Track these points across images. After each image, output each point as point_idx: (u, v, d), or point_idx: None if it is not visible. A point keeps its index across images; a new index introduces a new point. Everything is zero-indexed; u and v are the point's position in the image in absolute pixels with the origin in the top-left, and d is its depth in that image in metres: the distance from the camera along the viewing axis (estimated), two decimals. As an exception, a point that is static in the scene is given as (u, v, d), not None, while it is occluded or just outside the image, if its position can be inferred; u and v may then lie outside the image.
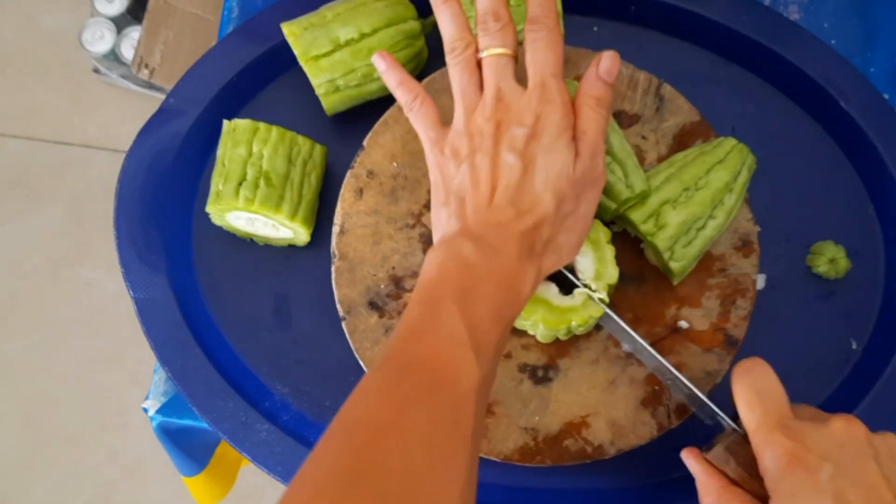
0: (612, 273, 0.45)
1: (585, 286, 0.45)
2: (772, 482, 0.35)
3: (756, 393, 0.37)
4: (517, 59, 0.42)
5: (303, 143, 0.50)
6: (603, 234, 0.46)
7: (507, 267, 0.38)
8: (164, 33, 1.07)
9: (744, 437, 0.38)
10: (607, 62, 0.41)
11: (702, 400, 0.42)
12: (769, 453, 0.35)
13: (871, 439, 0.35)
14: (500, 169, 0.40)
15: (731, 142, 0.47)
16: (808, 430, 0.35)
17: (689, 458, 0.41)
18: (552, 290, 0.45)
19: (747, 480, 0.38)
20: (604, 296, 0.45)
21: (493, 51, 0.42)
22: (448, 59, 0.43)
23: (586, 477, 0.50)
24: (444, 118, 0.50)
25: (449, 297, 0.36)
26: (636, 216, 0.45)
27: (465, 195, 0.40)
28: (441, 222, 0.42)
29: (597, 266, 0.45)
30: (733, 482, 0.39)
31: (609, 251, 0.46)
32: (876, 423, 0.49)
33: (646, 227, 0.45)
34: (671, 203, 0.45)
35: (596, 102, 0.41)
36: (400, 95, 0.44)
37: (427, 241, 0.49)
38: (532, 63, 0.41)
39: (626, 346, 0.47)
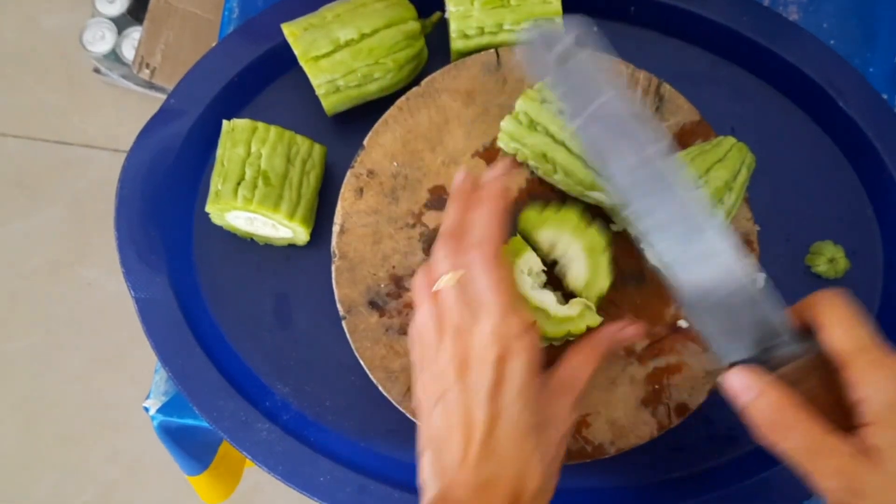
0: (604, 283, 0.45)
1: (575, 295, 0.45)
2: (879, 410, 0.31)
3: (854, 314, 0.33)
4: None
5: (301, 142, 0.50)
6: (600, 241, 0.45)
7: None
8: (164, 33, 1.07)
9: (817, 359, 0.33)
10: (631, 330, 0.43)
11: (754, 311, 0.34)
12: (882, 371, 0.31)
13: None
14: (470, 412, 0.37)
15: (730, 141, 0.47)
16: None
17: (746, 375, 0.33)
18: (550, 299, 0.44)
19: (824, 406, 0.32)
20: (592, 305, 0.45)
21: (445, 279, 0.39)
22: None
23: (586, 476, 0.50)
24: (444, 117, 0.50)
25: None
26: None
27: (442, 441, 0.37)
28: (424, 471, 0.39)
29: (589, 274, 0.45)
30: None
31: (604, 259, 0.45)
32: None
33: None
34: None
35: (591, 350, 0.41)
36: None
37: (427, 241, 0.49)
38: (480, 278, 0.38)
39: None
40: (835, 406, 0.32)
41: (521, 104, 0.47)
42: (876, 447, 0.31)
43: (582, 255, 0.45)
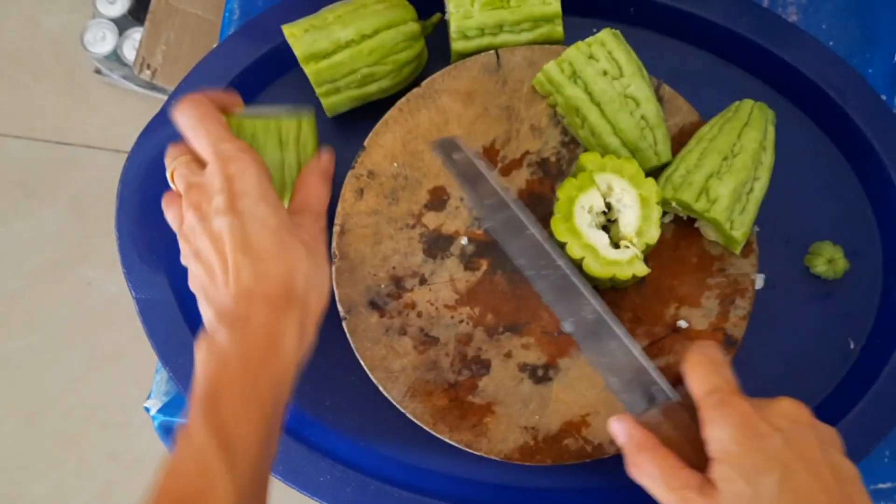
0: (654, 233, 0.45)
1: (625, 241, 0.45)
2: (719, 444, 0.35)
3: (710, 361, 0.38)
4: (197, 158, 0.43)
5: (287, 124, 0.48)
6: (655, 193, 0.46)
7: (258, 334, 0.37)
8: (165, 34, 1.07)
9: (679, 405, 0.39)
10: None
11: (637, 369, 0.41)
12: (724, 413, 0.36)
13: (815, 423, 0.36)
14: (219, 239, 0.39)
15: (748, 103, 0.48)
16: (760, 403, 0.37)
17: (621, 422, 0.39)
18: (603, 239, 0.45)
19: (679, 445, 0.38)
20: (639, 253, 0.45)
21: (175, 158, 0.43)
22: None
23: (586, 476, 0.50)
24: (444, 118, 0.50)
25: (196, 404, 0.36)
26: (687, 197, 0.46)
27: (206, 283, 0.40)
28: (204, 321, 0.41)
29: (641, 223, 0.45)
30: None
31: (656, 212, 0.46)
32: (874, 423, 0.49)
33: (700, 206, 0.46)
34: (716, 176, 0.46)
35: (323, 175, 0.47)
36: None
37: (427, 242, 0.49)
38: (195, 142, 0.42)
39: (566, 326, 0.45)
40: (698, 444, 0.37)
41: (569, 53, 0.48)
42: (714, 480, 0.35)
43: (636, 203, 0.46)
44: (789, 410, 0.36)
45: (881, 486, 0.52)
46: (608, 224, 0.47)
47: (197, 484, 0.34)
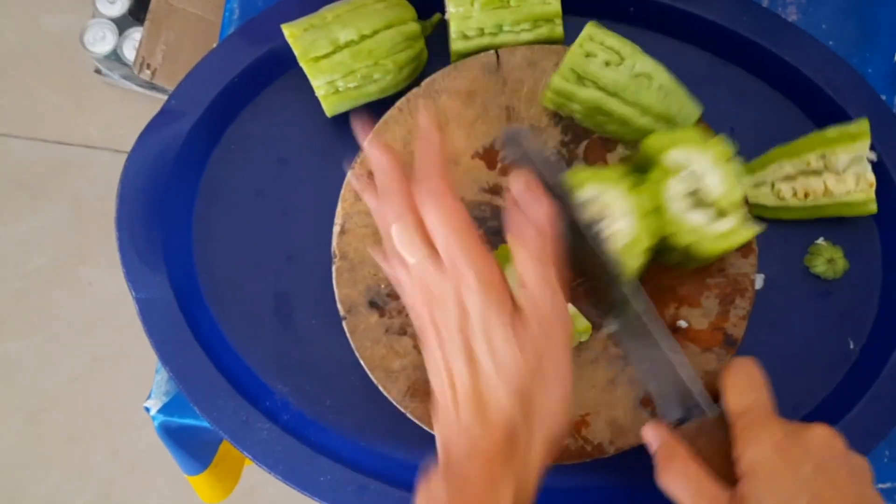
0: (738, 190, 0.44)
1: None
2: (750, 464, 0.35)
3: (748, 380, 0.38)
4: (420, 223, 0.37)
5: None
6: (723, 150, 0.45)
7: (475, 495, 0.34)
8: (165, 34, 1.07)
9: (716, 422, 0.39)
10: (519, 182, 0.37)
11: (678, 380, 0.40)
12: (758, 433, 0.36)
13: (847, 452, 0.36)
14: (452, 371, 0.36)
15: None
16: (794, 428, 0.36)
17: (655, 429, 0.39)
18: (703, 218, 0.44)
19: (711, 460, 0.38)
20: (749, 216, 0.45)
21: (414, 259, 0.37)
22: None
23: (586, 475, 0.50)
24: (444, 118, 0.50)
25: None
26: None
27: (446, 404, 0.36)
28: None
29: (725, 184, 0.44)
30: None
31: (733, 167, 0.44)
32: (873, 423, 0.49)
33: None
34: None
35: (528, 253, 0.36)
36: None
37: (427, 242, 0.49)
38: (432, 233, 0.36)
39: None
40: (729, 461, 0.37)
41: (567, 60, 0.48)
42: (744, 497, 0.35)
43: (712, 165, 0.45)
44: (823, 438, 0.36)
45: (881, 486, 0.52)
46: (695, 198, 0.46)
47: None
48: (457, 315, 0.35)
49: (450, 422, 0.36)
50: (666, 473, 0.38)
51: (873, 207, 0.51)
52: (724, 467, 0.37)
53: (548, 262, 0.36)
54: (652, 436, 0.40)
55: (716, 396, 0.40)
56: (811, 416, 0.51)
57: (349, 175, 0.49)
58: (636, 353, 0.41)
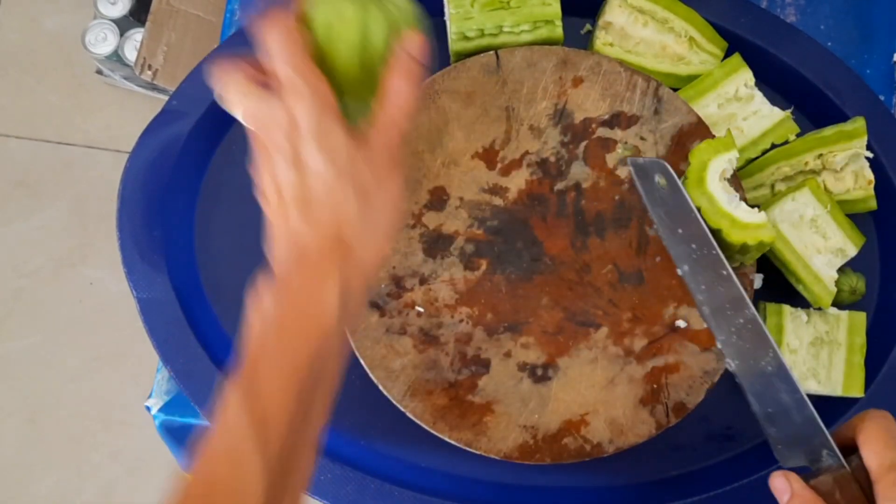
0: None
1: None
2: None
3: (891, 436, 0.36)
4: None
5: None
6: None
7: (296, 296, 0.35)
8: (166, 35, 1.07)
9: (852, 475, 0.37)
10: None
11: (809, 424, 0.40)
12: None
13: None
14: (278, 180, 0.36)
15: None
16: None
17: (787, 479, 0.37)
18: (735, 201, 0.45)
19: None
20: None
21: (229, 79, 0.38)
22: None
23: (585, 475, 0.50)
24: (444, 118, 0.50)
25: (235, 373, 0.33)
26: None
27: (270, 218, 0.37)
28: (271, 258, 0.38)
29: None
30: None
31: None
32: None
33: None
34: None
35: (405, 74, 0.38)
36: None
37: (427, 242, 0.49)
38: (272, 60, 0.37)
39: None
40: None
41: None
42: None
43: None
44: None
45: (879, 485, 0.52)
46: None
47: (227, 465, 0.32)
48: (286, 126, 0.36)
49: (279, 233, 0.36)
50: None
51: (873, 204, 0.51)
52: None
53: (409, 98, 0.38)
54: (782, 485, 0.37)
55: (845, 448, 0.38)
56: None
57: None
58: (758, 399, 0.42)
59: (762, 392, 0.41)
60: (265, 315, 0.35)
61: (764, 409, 0.42)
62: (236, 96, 0.37)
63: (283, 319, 0.34)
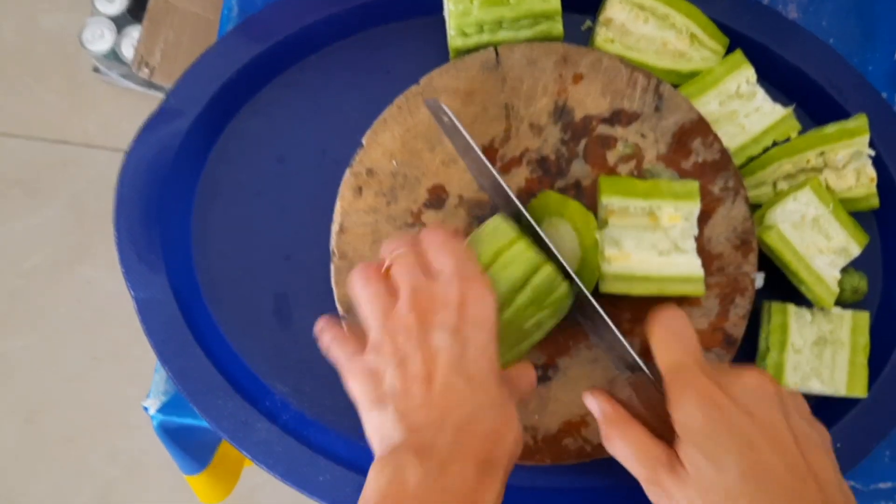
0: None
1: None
2: (683, 423, 0.34)
3: (674, 334, 0.37)
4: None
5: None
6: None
7: (455, 494, 0.33)
8: (164, 32, 1.07)
9: (648, 379, 0.38)
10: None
11: (616, 343, 0.41)
12: (686, 393, 0.34)
13: (781, 394, 0.35)
14: (434, 354, 0.35)
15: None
16: (726, 377, 0.35)
17: (595, 394, 0.39)
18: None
19: (650, 419, 0.37)
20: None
21: (398, 252, 0.39)
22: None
23: (586, 475, 0.50)
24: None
25: None
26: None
27: (400, 391, 0.35)
28: (377, 427, 0.36)
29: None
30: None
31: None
32: (874, 423, 0.49)
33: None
34: None
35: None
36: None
37: (426, 240, 0.49)
38: (435, 252, 0.39)
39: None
40: (668, 418, 0.35)
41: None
42: (681, 461, 0.34)
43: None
44: (754, 384, 0.34)
45: (881, 485, 0.52)
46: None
47: None
48: (456, 302, 0.36)
49: (413, 405, 0.35)
50: (608, 438, 0.37)
51: (875, 202, 0.51)
52: (662, 426, 0.36)
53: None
54: (591, 403, 0.39)
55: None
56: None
57: (347, 173, 0.49)
58: (596, 337, 0.43)
59: (597, 332, 0.43)
60: (407, 492, 0.33)
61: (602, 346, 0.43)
62: (397, 259, 0.39)
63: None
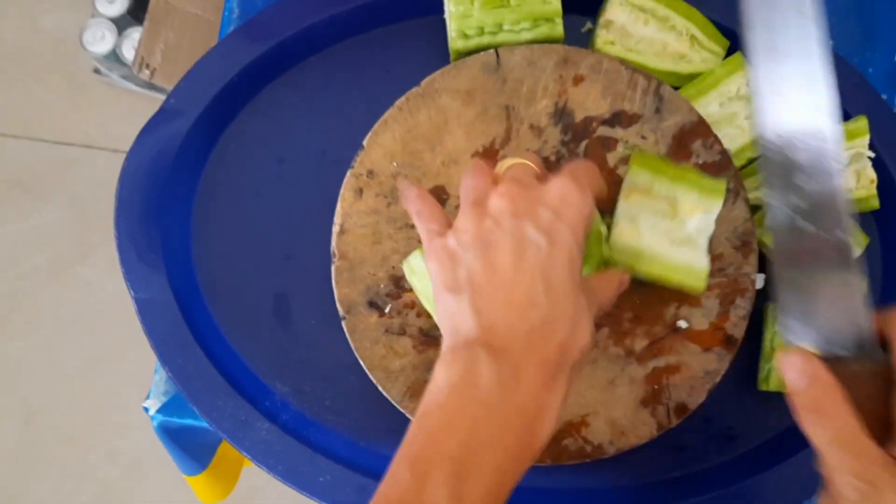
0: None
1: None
2: None
3: None
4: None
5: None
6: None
7: (527, 401, 0.32)
8: (164, 34, 1.07)
9: (879, 371, 0.32)
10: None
11: (856, 312, 0.33)
12: None
13: None
14: (521, 248, 0.34)
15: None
16: None
17: (803, 358, 0.32)
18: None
19: (872, 414, 0.31)
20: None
21: (512, 160, 0.39)
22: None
23: (586, 476, 0.50)
24: (444, 117, 0.50)
25: (442, 462, 0.31)
26: None
27: (478, 281, 0.34)
28: (451, 313, 0.34)
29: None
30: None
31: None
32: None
33: None
34: None
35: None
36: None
37: (427, 241, 0.49)
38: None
39: None
40: (883, 420, 0.31)
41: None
42: None
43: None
44: None
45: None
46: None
47: None
48: (556, 200, 0.35)
49: (492, 299, 0.33)
50: (814, 417, 0.31)
51: (875, 203, 0.51)
52: (877, 425, 0.31)
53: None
54: (797, 367, 0.32)
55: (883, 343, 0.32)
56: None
57: (348, 174, 0.49)
58: (797, 275, 0.33)
59: (805, 272, 0.34)
60: (481, 394, 0.32)
61: (804, 292, 0.33)
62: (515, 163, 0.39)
63: (506, 417, 0.32)
